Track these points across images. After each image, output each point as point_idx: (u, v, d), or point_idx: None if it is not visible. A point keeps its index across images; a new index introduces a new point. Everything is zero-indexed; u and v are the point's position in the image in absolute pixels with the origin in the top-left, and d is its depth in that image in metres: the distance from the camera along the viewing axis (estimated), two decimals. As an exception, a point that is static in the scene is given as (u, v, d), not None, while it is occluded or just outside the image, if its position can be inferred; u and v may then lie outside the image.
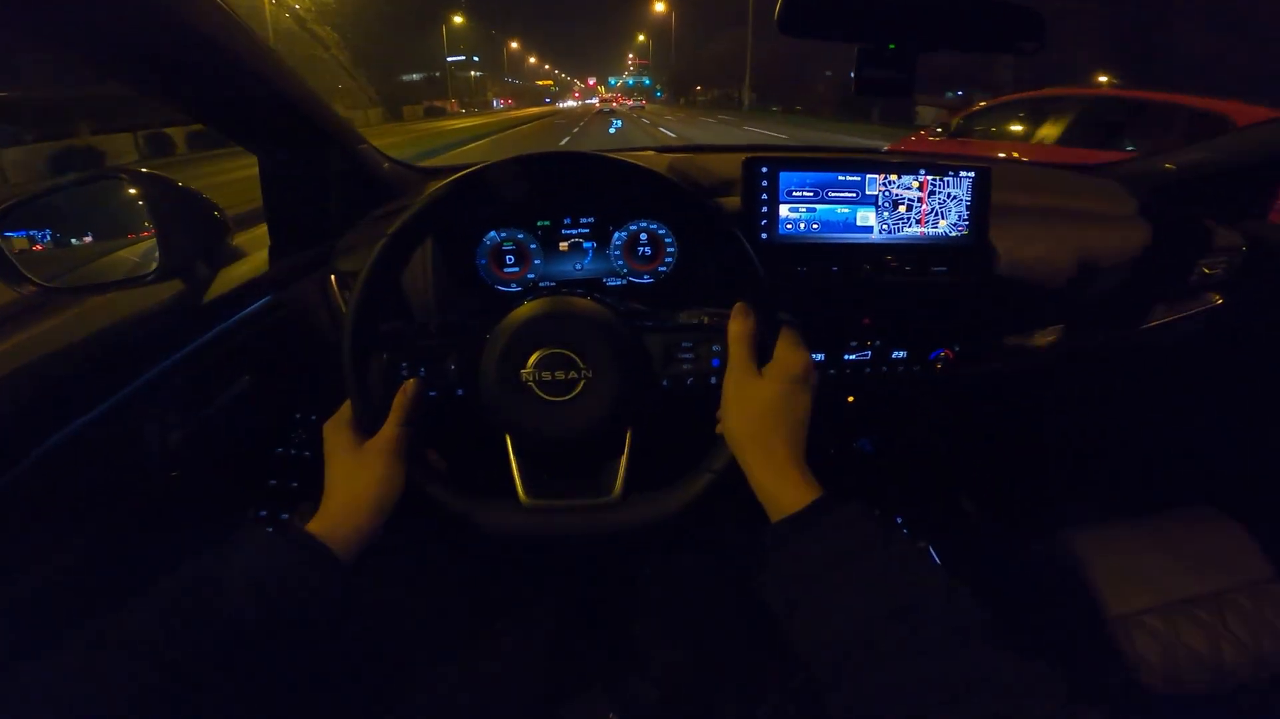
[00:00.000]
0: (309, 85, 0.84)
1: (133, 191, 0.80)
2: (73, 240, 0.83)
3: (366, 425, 0.63)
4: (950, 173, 1.00)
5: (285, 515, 0.88)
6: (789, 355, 0.62)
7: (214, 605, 0.48)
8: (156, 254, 0.77)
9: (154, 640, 0.44)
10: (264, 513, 0.85)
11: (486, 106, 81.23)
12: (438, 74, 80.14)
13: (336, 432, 0.63)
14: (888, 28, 0.81)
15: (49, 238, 0.79)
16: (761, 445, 0.59)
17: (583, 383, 0.64)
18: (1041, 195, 1.19)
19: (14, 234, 0.73)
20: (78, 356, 0.65)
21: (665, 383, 0.68)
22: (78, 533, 0.60)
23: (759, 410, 0.60)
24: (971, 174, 1.01)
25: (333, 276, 0.96)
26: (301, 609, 0.51)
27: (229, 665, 0.47)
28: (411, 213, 0.64)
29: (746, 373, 0.62)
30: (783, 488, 0.56)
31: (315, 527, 0.57)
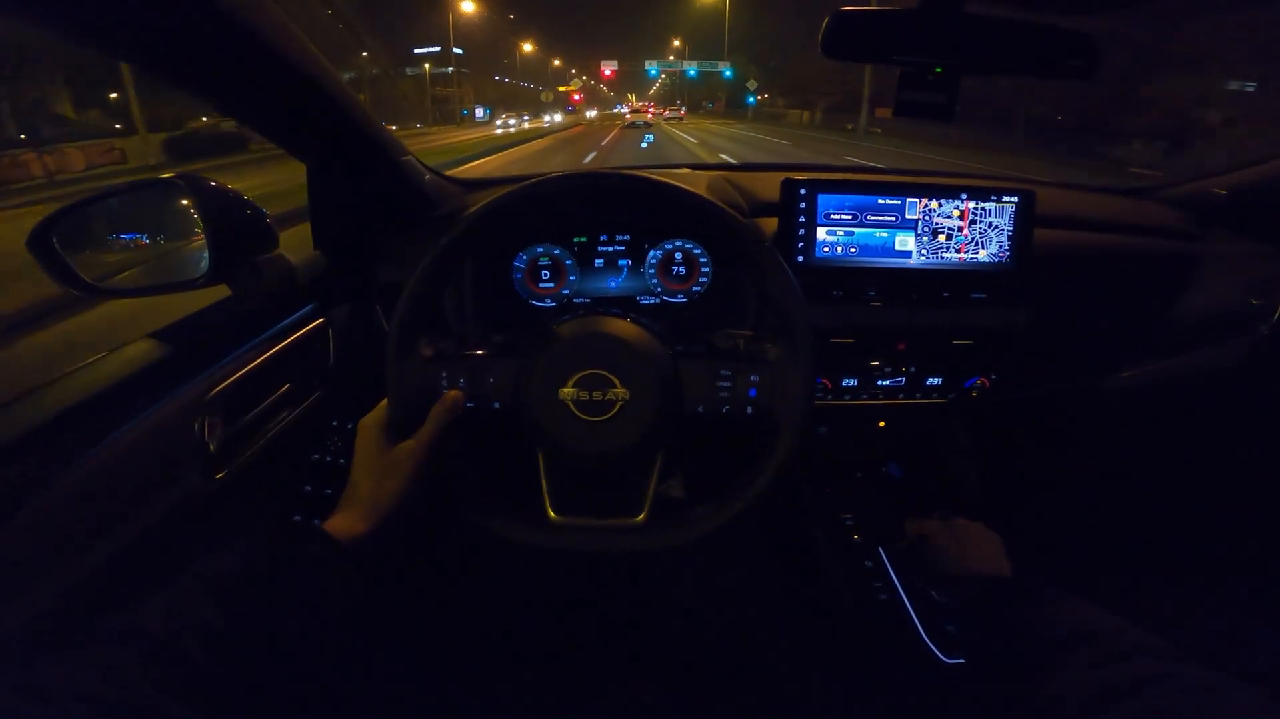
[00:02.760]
0: (356, 95, 0.86)
1: (185, 200, 0.82)
2: (125, 243, 0.85)
3: (402, 428, 0.64)
4: (993, 198, 0.99)
5: (318, 521, 0.89)
6: None
7: (229, 601, 0.48)
8: (205, 259, 0.79)
9: (169, 635, 0.45)
10: (299, 517, 0.86)
11: (449, 123, 49.82)
12: (375, 70, 49.32)
13: (371, 430, 0.64)
14: (934, 51, 0.80)
15: (103, 241, 0.81)
16: None
17: (620, 404, 0.64)
18: (1085, 220, 1.17)
19: (70, 236, 0.75)
20: (125, 359, 0.67)
21: (700, 408, 0.68)
22: (121, 533, 0.61)
23: None
24: (1015, 199, 0.99)
25: (374, 288, 0.98)
26: (315, 605, 0.52)
27: (243, 660, 0.47)
28: (462, 227, 0.65)
29: None
30: None
31: (334, 524, 0.58)
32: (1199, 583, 1.05)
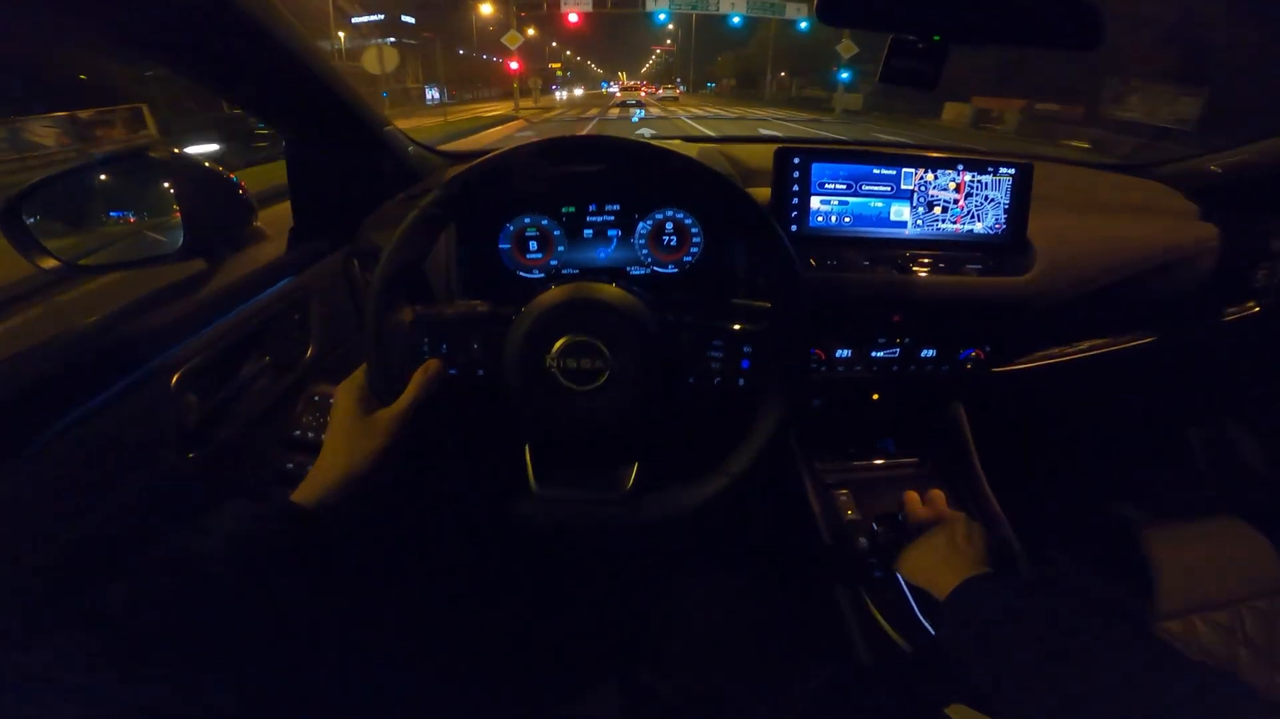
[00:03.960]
0: (336, 68, 0.83)
1: (159, 171, 0.79)
2: (98, 218, 0.82)
3: (381, 394, 0.62)
4: (989, 170, 0.97)
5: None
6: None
7: (194, 578, 0.47)
8: (181, 234, 0.76)
9: (133, 617, 0.44)
10: (278, 494, 0.85)
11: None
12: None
13: (348, 394, 0.62)
14: (933, 20, 0.77)
15: (74, 215, 0.78)
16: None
17: (607, 373, 0.63)
18: (1082, 194, 1.16)
19: (39, 212, 0.72)
20: (99, 334, 0.65)
21: (691, 379, 0.67)
22: (95, 511, 0.60)
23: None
24: (1012, 171, 0.97)
25: (355, 259, 0.95)
26: (286, 573, 0.51)
27: (212, 637, 0.46)
28: (437, 194, 0.62)
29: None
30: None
31: (302, 493, 0.56)
32: (1196, 552, 1.06)
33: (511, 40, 19.59)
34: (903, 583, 0.98)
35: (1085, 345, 1.15)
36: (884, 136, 12.99)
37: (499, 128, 16.76)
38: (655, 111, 25.04)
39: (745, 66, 56.96)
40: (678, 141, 1.28)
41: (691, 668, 1.09)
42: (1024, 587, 0.69)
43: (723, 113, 25.02)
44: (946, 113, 18.99)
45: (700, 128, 16.65)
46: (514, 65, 23.65)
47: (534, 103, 31.40)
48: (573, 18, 25.39)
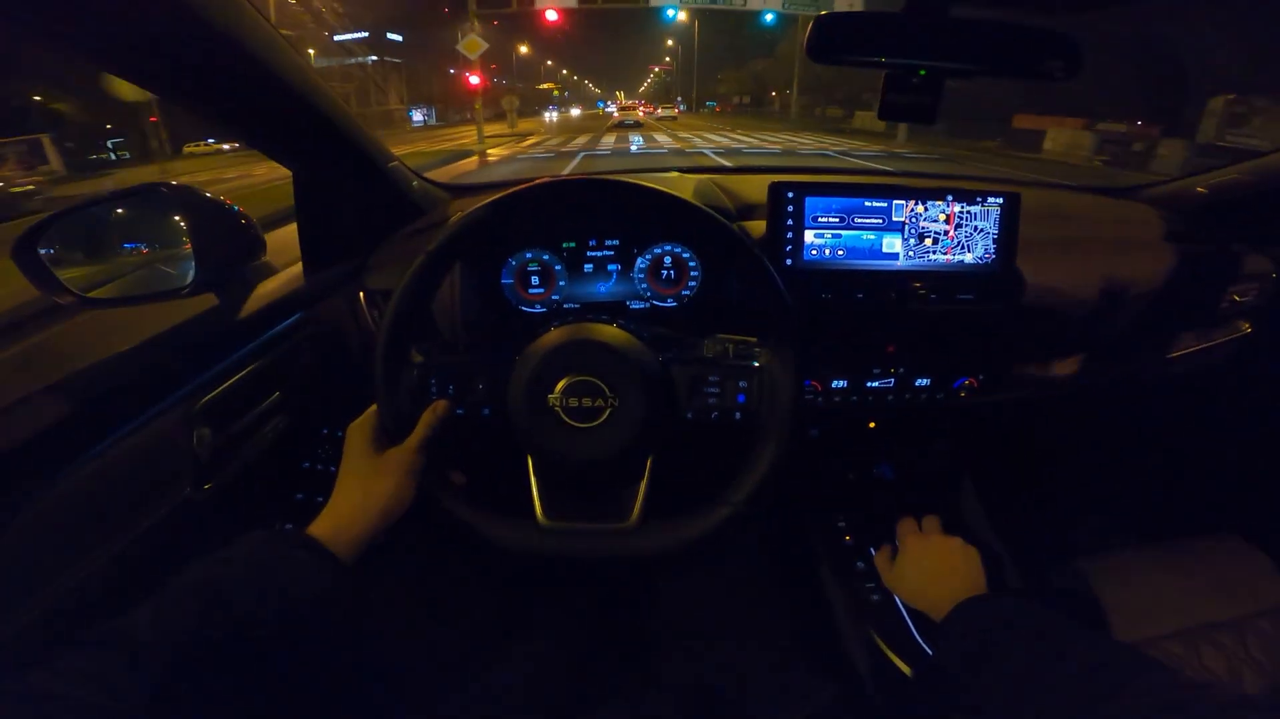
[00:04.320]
0: (341, 101, 0.85)
1: (171, 204, 0.82)
2: (111, 253, 0.84)
3: (391, 434, 0.64)
4: (979, 200, 0.99)
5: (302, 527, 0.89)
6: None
7: (216, 606, 0.48)
8: (193, 268, 0.78)
9: (157, 641, 0.45)
10: (290, 526, 0.86)
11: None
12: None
13: (359, 434, 0.64)
14: (918, 54, 0.80)
15: (88, 250, 0.80)
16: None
17: (609, 411, 0.65)
18: (1069, 220, 1.18)
19: (54, 247, 0.74)
20: (114, 369, 0.67)
21: (689, 414, 0.69)
22: (111, 543, 0.61)
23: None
24: (1000, 200, 1.00)
25: (362, 294, 0.97)
26: (303, 608, 0.52)
27: (232, 665, 0.47)
28: (450, 232, 0.65)
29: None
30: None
31: (318, 528, 0.58)
32: (1194, 572, 1.06)
33: (470, 48, 14.96)
34: (900, 606, 1.00)
35: (1079, 371, 1.16)
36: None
37: (446, 167, 12.21)
38: (664, 140, 19.40)
39: (759, 83, 52.16)
40: (674, 174, 1.31)
41: (695, 688, 1.10)
42: (1019, 607, 0.70)
43: (749, 140, 19.52)
44: (1049, 140, 14.39)
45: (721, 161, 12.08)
46: (474, 80, 17.33)
47: (510, 128, 25.76)
48: (551, 15, 19.70)
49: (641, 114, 38.80)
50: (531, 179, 0.69)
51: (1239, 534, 1.11)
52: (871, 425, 1.12)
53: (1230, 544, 1.09)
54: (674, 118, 40.36)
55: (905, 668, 0.94)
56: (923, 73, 0.81)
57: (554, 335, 0.68)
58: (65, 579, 0.57)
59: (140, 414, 0.65)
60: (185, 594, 0.49)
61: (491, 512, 0.67)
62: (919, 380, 1.07)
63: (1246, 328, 1.21)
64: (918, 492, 1.21)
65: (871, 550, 1.07)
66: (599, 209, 0.96)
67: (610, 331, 0.68)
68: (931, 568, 0.87)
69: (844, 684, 0.99)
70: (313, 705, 0.58)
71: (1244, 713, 0.47)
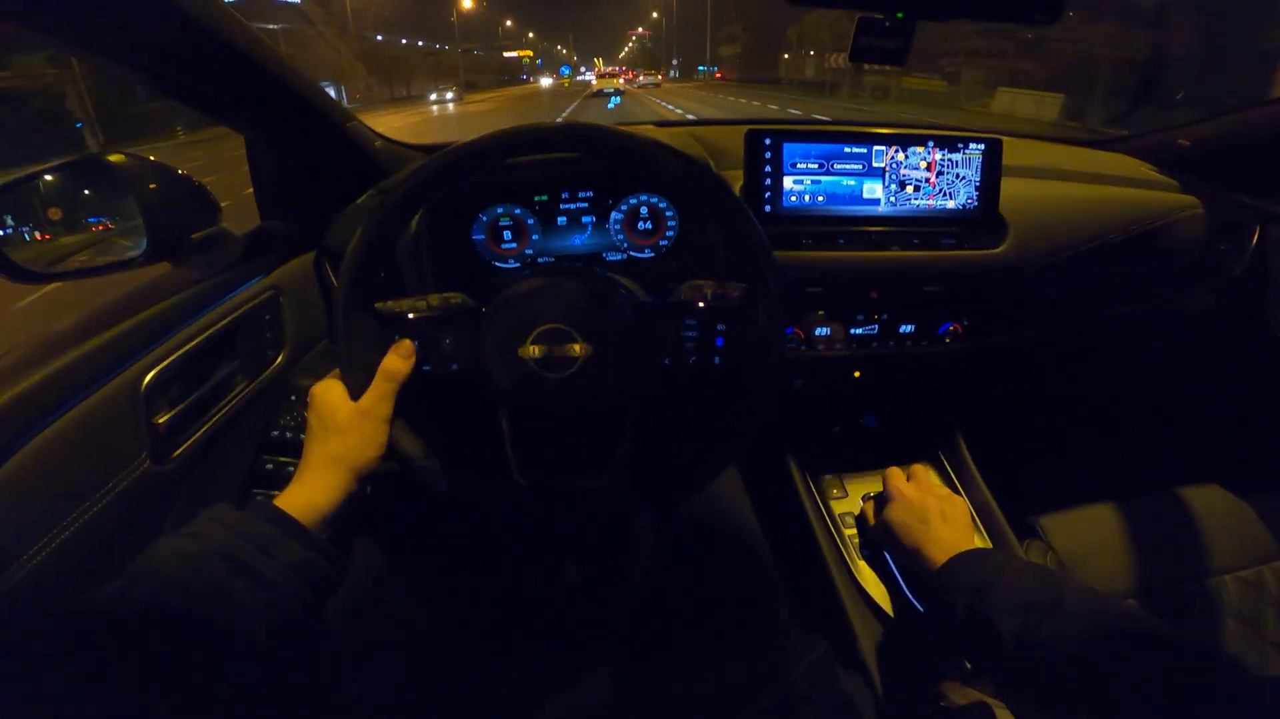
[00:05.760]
0: (290, 61, 0.81)
1: (118, 175, 0.78)
2: (59, 226, 0.81)
3: (354, 392, 0.61)
4: (960, 147, 0.97)
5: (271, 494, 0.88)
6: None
7: (187, 580, 0.47)
8: (144, 237, 0.75)
9: (129, 623, 0.44)
10: (259, 495, 0.84)
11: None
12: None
13: (324, 394, 0.62)
14: None
15: (32, 223, 0.77)
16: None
17: (582, 360, 0.63)
18: (1052, 170, 1.16)
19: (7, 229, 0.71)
20: (67, 342, 0.64)
21: (666, 361, 0.66)
22: (73, 519, 0.59)
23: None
24: (981, 146, 0.98)
25: (322, 253, 0.94)
26: (273, 582, 0.50)
27: (198, 645, 0.46)
28: (404, 186, 0.61)
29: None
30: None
31: (286, 499, 0.56)
32: (1173, 520, 1.07)
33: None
34: (890, 562, 1.00)
35: (1064, 317, 1.16)
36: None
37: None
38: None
39: (760, 40, 45.49)
40: (650, 127, 1.27)
41: (682, 650, 1.10)
42: (1013, 559, 0.70)
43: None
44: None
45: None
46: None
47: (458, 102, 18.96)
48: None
49: (622, 82, 38.17)
50: (501, 130, 0.65)
51: (1217, 484, 1.13)
52: (856, 375, 1.11)
53: (1210, 493, 1.12)
54: (657, 84, 39.08)
55: (896, 623, 0.94)
56: (900, 15, 0.78)
57: (522, 284, 0.65)
58: (25, 562, 0.55)
59: (88, 389, 0.62)
60: (155, 569, 0.47)
61: (465, 472, 0.64)
62: (903, 327, 1.06)
63: (1234, 274, 1.20)
64: (905, 441, 1.21)
65: (861, 505, 1.07)
66: (572, 160, 0.93)
67: (580, 278, 0.66)
68: (920, 517, 0.87)
69: (835, 641, 0.99)
70: (278, 680, 0.57)
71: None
